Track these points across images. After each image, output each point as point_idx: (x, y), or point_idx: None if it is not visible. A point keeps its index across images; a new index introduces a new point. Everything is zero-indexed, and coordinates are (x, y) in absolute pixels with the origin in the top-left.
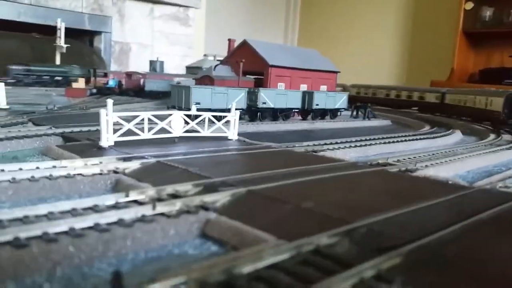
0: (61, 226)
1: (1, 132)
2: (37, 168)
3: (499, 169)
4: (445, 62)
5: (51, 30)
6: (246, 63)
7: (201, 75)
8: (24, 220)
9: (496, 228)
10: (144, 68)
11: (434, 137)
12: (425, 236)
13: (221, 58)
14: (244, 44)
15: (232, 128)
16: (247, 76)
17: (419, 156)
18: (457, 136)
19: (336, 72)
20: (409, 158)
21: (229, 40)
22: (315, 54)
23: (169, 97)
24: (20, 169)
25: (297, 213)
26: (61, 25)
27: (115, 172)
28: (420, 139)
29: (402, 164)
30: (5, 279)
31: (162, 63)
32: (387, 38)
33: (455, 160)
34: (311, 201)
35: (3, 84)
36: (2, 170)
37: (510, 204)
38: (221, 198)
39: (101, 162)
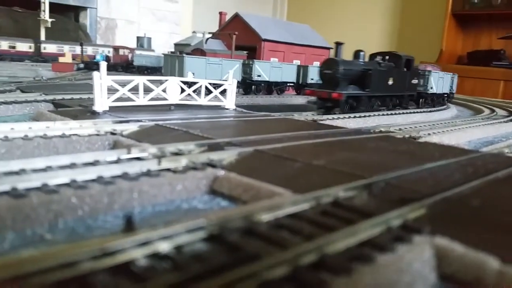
0: (62, 177)
1: None
2: (30, 128)
3: (499, 140)
4: (434, 43)
5: (34, 4)
6: (238, 37)
7: (192, 49)
8: (21, 173)
9: None
10: (131, 44)
11: (430, 111)
12: (446, 191)
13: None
14: (236, 17)
15: (229, 97)
16: (240, 50)
17: (420, 126)
18: (452, 111)
19: (329, 49)
20: (410, 128)
21: (220, 13)
22: (307, 29)
23: (157, 73)
24: (12, 129)
25: (309, 170)
26: None
27: (113, 133)
28: (418, 112)
29: (404, 132)
30: (4, 229)
31: (149, 39)
32: (377, 19)
33: (456, 130)
34: (322, 160)
35: None
36: None
37: None
38: (227, 156)
39: (96, 124)
